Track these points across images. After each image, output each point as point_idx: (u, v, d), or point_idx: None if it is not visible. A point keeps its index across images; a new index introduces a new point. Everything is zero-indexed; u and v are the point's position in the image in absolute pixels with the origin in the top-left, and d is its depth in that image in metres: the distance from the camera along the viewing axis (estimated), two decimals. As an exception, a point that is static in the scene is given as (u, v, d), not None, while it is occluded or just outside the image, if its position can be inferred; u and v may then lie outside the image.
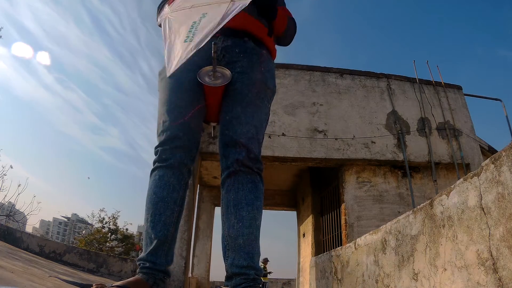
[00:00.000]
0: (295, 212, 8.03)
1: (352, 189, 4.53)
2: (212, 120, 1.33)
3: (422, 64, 6.93)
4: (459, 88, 5.30)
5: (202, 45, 0.95)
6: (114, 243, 12.24)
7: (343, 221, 4.46)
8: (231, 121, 1.19)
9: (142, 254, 1.11)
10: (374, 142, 4.63)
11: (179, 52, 0.98)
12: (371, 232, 1.78)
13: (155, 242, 1.09)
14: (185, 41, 0.98)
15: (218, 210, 7.40)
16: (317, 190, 6.22)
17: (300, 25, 1.41)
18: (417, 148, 4.68)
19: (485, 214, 0.89)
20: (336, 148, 4.54)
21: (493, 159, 0.87)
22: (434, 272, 1.13)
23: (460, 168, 4.62)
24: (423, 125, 4.83)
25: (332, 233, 5.17)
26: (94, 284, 1.03)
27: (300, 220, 7.34)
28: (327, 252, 2.79)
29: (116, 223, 12.50)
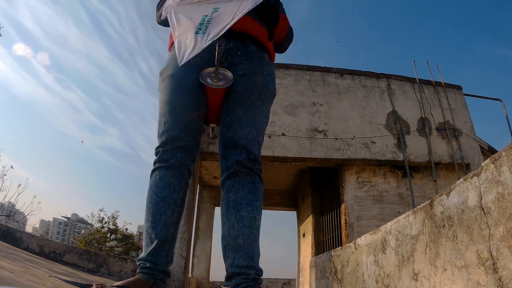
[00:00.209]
0: (295, 212, 8.02)
1: (352, 189, 4.53)
2: (212, 121, 1.33)
3: (422, 64, 6.93)
4: (459, 88, 5.30)
5: (217, 38, 0.95)
6: (114, 243, 12.24)
7: (343, 221, 4.46)
8: (231, 122, 1.19)
9: (142, 254, 1.11)
10: (374, 142, 4.63)
11: (191, 43, 0.98)
12: (371, 232, 1.78)
13: (155, 242, 1.09)
14: (196, 33, 0.99)
15: (218, 210, 7.40)
16: (317, 190, 6.22)
17: (300, 25, 1.43)
18: (417, 148, 4.68)
19: (485, 214, 0.89)
20: (336, 148, 4.54)
21: (493, 159, 0.87)
22: (434, 272, 1.13)
23: (460, 168, 4.62)
24: (423, 125, 4.83)
25: (332, 233, 5.17)
26: (94, 284, 1.03)
27: (300, 220, 7.34)
28: (327, 252, 2.79)
29: (116, 223, 12.52)
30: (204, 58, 1.17)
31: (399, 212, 4.32)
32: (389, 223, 1.55)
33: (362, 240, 1.89)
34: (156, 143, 1.22)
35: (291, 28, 1.43)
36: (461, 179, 1.01)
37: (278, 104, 4.63)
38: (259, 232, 1.14)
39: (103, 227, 12.29)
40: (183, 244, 3.80)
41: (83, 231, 15.53)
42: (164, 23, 1.30)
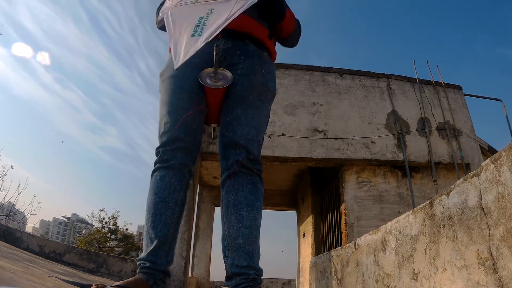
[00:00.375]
0: (295, 212, 8.02)
1: (352, 189, 4.53)
2: (213, 121, 1.33)
3: (422, 64, 6.93)
4: (459, 88, 5.30)
5: (210, 39, 0.96)
6: (114, 243, 12.24)
7: (343, 221, 4.46)
8: (231, 122, 1.19)
9: (142, 254, 1.11)
10: (374, 142, 4.63)
11: (187, 46, 0.98)
12: (371, 232, 1.78)
13: (155, 242, 1.09)
14: (192, 35, 0.99)
15: (218, 210, 7.40)
16: (317, 190, 6.22)
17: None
18: (417, 148, 4.68)
19: (485, 214, 0.89)
20: (336, 148, 4.54)
21: (493, 159, 0.87)
22: (434, 272, 1.13)
23: (460, 168, 4.62)
24: (423, 125, 4.83)
25: (332, 233, 5.17)
26: (94, 284, 1.03)
27: (300, 220, 7.34)
28: (327, 252, 2.79)
29: (116, 223, 12.50)
30: (203, 59, 1.17)
31: (399, 212, 4.32)
32: (389, 223, 1.55)
33: (362, 240, 1.89)
34: (156, 143, 1.22)
35: (298, 22, 1.42)
36: (461, 179, 1.01)
37: (278, 104, 4.63)
38: (259, 232, 1.14)
39: (103, 227, 12.28)
40: (183, 244, 3.80)
41: (83, 231, 15.53)
42: (164, 28, 1.31)
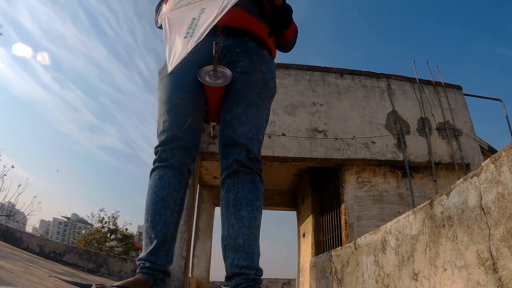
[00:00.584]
0: (295, 212, 8.02)
1: (352, 189, 4.52)
2: (212, 119, 1.32)
3: (422, 64, 6.93)
4: (459, 88, 5.30)
5: (201, 39, 0.95)
6: (114, 243, 12.24)
7: (343, 221, 4.45)
8: (231, 121, 1.18)
9: (142, 254, 1.11)
10: (374, 142, 4.63)
11: (179, 49, 0.98)
12: (371, 232, 1.78)
13: (155, 242, 1.08)
14: (185, 37, 0.99)
15: (218, 210, 7.40)
16: (317, 190, 6.22)
17: (298, 24, 1.47)
18: (417, 148, 4.68)
19: (485, 214, 0.89)
20: (336, 148, 4.54)
21: (493, 159, 0.87)
22: (434, 272, 1.13)
23: (460, 168, 4.62)
24: (423, 125, 4.83)
25: (332, 233, 5.17)
26: (94, 284, 1.03)
27: (300, 220, 7.34)
28: (327, 252, 2.79)
29: (116, 223, 12.53)
30: (203, 56, 1.16)
31: (399, 212, 4.32)
32: (389, 223, 1.55)
33: (362, 240, 1.89)
34: (155, 142, 1.22)
35: (297, 32, 1.48)
36: (461, 179, 1.01)
37: (278, 104, 4.63)
38: (259, 232, 1.13)
39: (103, 227, 12.29)
40: (183, 244, 3.80)
41: (83, 231, 15.54)
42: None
